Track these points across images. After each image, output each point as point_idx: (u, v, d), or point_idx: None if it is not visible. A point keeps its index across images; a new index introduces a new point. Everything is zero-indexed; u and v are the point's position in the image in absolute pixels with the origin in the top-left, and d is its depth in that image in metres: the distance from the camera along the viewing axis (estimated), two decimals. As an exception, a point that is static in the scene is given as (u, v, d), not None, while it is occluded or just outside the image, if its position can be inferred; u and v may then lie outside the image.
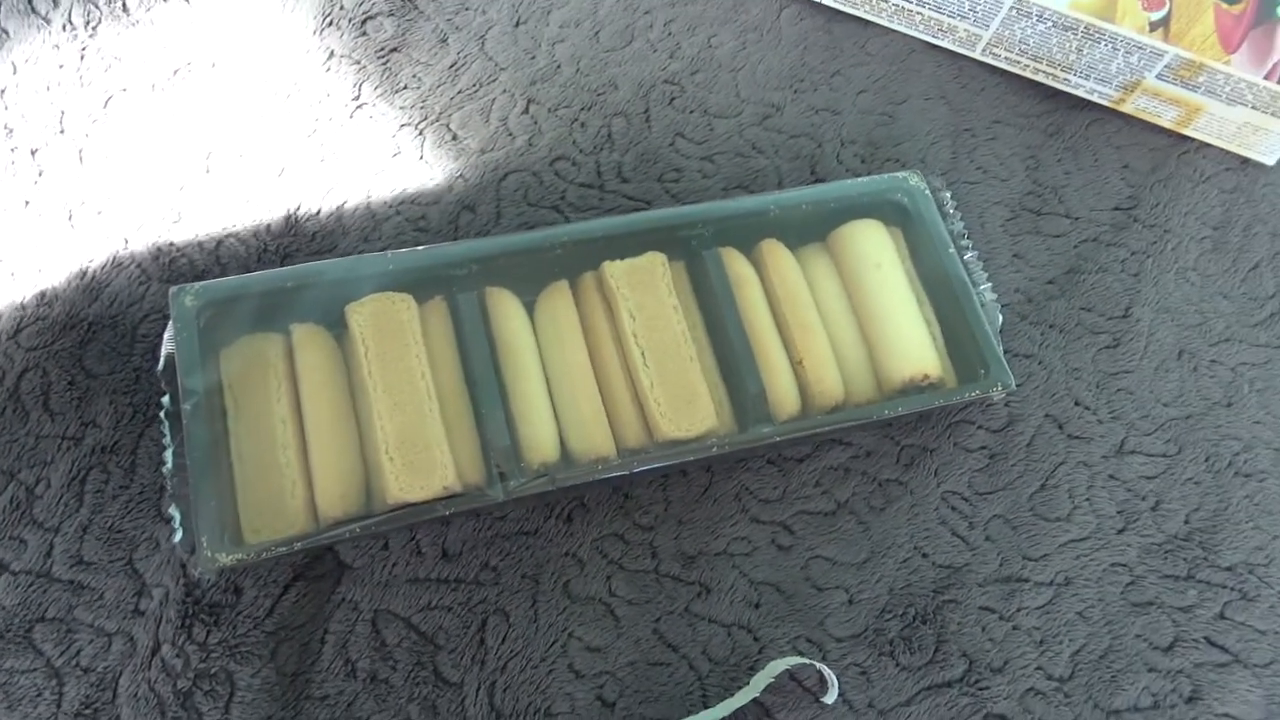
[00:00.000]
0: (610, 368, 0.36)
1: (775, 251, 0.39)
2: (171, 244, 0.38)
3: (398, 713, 0.33)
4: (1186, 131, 0.48)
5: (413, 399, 0.33)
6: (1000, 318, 0.40)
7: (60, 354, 0.36)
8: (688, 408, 0.35)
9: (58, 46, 0.40)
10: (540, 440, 0.34)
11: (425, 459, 0.32)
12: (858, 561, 0.37)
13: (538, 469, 0.34)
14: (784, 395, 0.36)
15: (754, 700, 0.34)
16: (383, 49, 0.42)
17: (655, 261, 0.37)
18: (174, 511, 0.31)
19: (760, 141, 0.45)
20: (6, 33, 0.40)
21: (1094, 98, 0.48)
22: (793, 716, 0.35)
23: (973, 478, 0.39)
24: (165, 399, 0.32)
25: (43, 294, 0.37)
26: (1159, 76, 0.45)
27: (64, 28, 0.41)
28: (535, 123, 0.43)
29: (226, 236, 0.38)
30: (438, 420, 0.33)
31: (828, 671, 0.34)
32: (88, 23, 0.41)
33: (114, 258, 0.38)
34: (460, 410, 0.34)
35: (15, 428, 0.35)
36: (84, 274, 0.38)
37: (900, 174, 0.41)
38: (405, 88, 0.42)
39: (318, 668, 0.33)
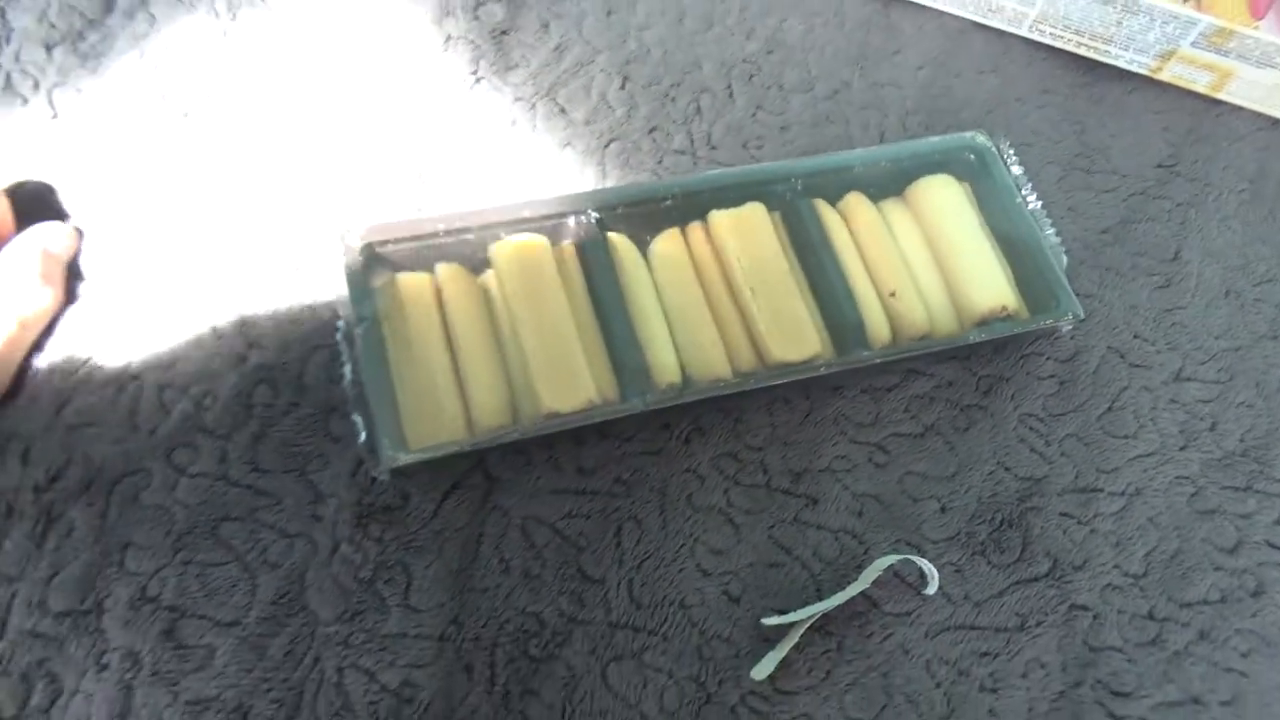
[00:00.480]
0: (722, 303, 0.40)
1: (860, 203, 0.44)
2: (316, 197, 0.42)
3: (551, 603, 0.36)
4: (1220, 96, 0.52)
5: (555, 325, 0.37)
6: (1065, 259, 0.44)
7: (230, 287, 0.40)
8: (795, 334, 0.39)
9: (203, 29, 0.45)
10: (665, 364, 0.38)
11: (570, 375, 0.36)
12: (947, 475, 0.41)
13: (665, 389, 0.38)
14: (877, 325, 0.41)
15: (863, 594, 0.38)
16: (494, 30, 0.47)
17: (757, 210, 0.41)
18: (356, 417, 0.35)
19: (832, 113, 0.49)
20: (155, 17, 0.45)
21: (1133, 67, 0.52)
22: (898, 607, 0.38)
23: (1046, 401, 0.43)
24: (340, 323, 0.36)
25: (205, 231, 0.41)
26: (1193, 44, 0.50)
27: (207, 12, 0.45)
28: (631, 98, 0.47)
29: (367, 190, 0.43)
30: (578, 344, 0.37)
31: (928, 566, 0.38)
32: (229, 7, 0.46)
33: (268, 204, 0.42)
34: (593, 339, 0.38)
35: (190, 348, 0.39)
36: (242, 215, 0.42)
37: (968, 134, 0.45)
38: (516, 66, 0.46)
39: (477, 565, 0.37)
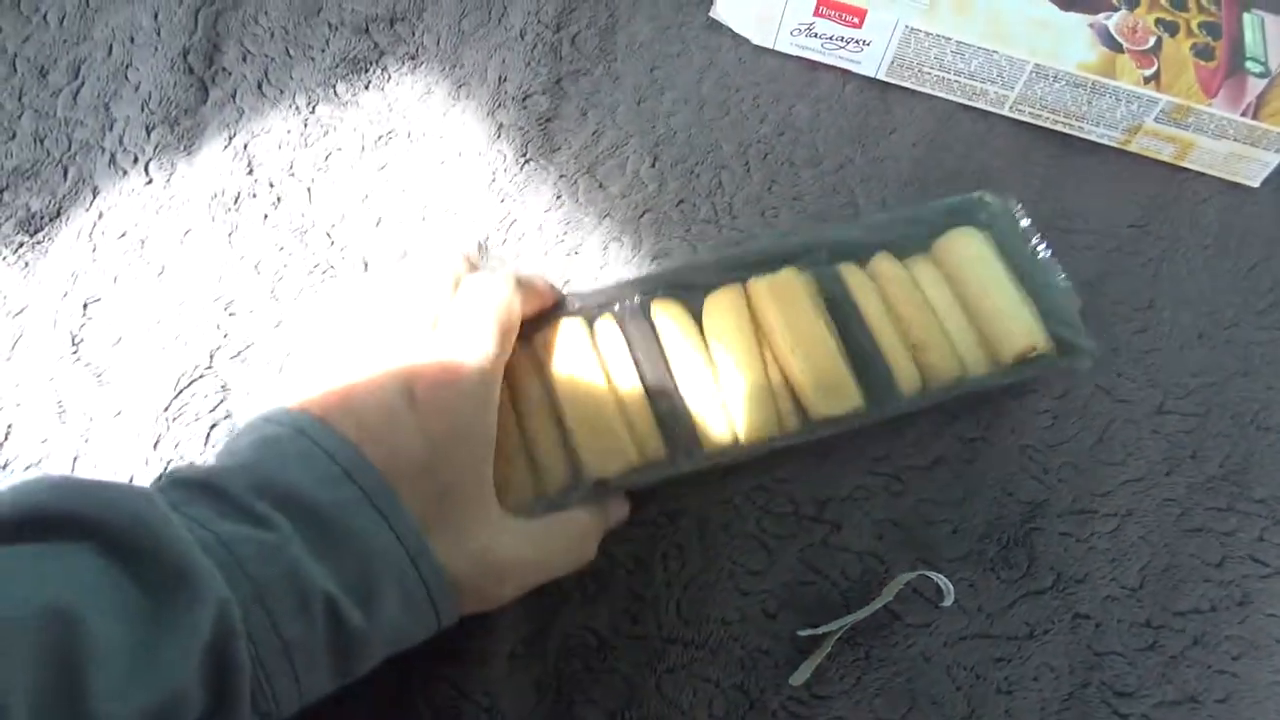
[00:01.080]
0: (765, 365, 0.44)
1: (888, 262, 0.48)
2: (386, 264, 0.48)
3: (608, 621, 0.41)
4: (1184, 164, 0.58)
5: (593, 396, 0.41)
6: (1079, 302, 0.47)
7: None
8: (836, 390, 0.42)
9: (285, 118, 0.51)
10: (713, 425, 0.42)
11: (613, 439, 0.40)
12: (957, 501, 0.46)
13: (717, 450, 0.41)
14: (907, 376, 0.44)
15: (886, 607, 0.42)
16: (541, 118, 0.53)
17: (791, 275, 0.45)
18: None
19: (838, 185, 0.55)
20: (243, 109, 0.51)
21: (1104, 141, 0.59)
22: (919, 619, 0.42)
23: (1042, 434, 0.48)
24: None
25: (290, 285, 0.47)
26: (1156, 120, 0.56)
27: (289, 106, 0.52)
28: (661, 174, 0.53)
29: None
30: (617, 414, 0.41)
31: (944, 580, 0.42)
32: (308, 103, 0.52)
33: (336, 268, 0.48)
34: (640, 407, 0.42)
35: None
36: (331, 279, 0.47)
37: (977, 193, 0.50)
38: (559, 149, 0.53)
39: (543, 588, 0.41)
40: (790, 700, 0.40)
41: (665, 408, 0.42)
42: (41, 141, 0.49)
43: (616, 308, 0.44)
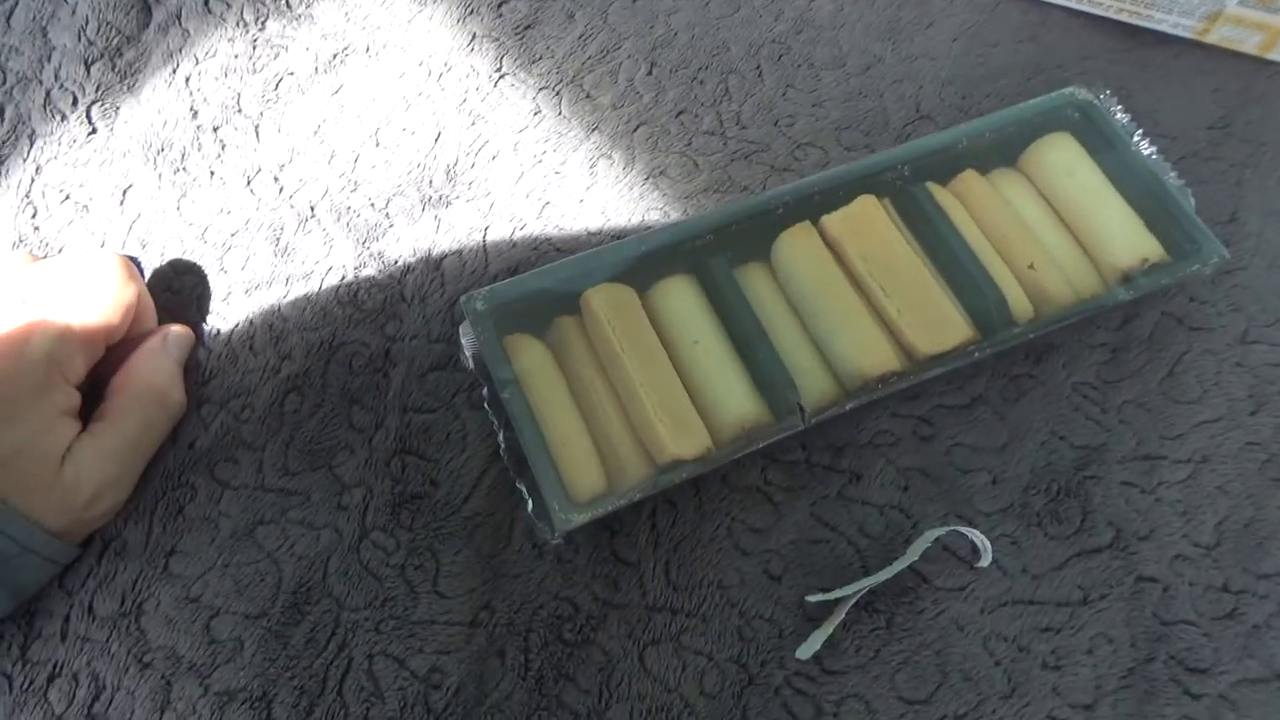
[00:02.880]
0: (855, 305, 0.38)
1: (974, 180, 0.42)
2: (349, 207, 0.43)
3: (585, 587, 0.35)
4: (1271, 56, 0.50)
5: (656, 367, 0.36)
6: (1193, 200, 0.41)
7: (262, 305, 0.41)
8: (940, 323, 0.37)
9: (232, 40, 0.46)
10: (810, 374, 0.38)
11: (688, 421, 0.36)
12: (997, 446, 0.39)
13: (819, 399, 0.37)
14: (1018, 300, 0.38)
15: (911, 569, 0.36)
16: (518, 26, 0.47)
17: (867, 203, 0.40)
18: (520, 485, 0.34)
19: (865, 88, 0.48)
20: (188, 31, 0.46)
21: (1177, 31, 0.50)
22: (950, 581, 0.36)
23: (1100, 369, 0.41)
24: (485, 390, 0.36)
25: (239, 254, 0.42)
26: (1240, 3, 0.48)
27: (236, 24, 0.47)
28: (659, 82, 0.47)
29: (395, 195, 0.43)
30: (681, 389, 0.36)
31: (979, 537, 0.36)
32: (257, 18, 0.47)
33: (302, 223, 0.42)
34: (730, 364, 0.37)
35: (228, 369, 0.39)
36: (276, 237, 0.42)
37: (1066, 90, 0.44)
38: (540, 58, 0.47)
39: (509, 550, 0.36)
40: (796, 675, 0.35)
41: (757, 364, 0.37)
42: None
43: (693, 253, 0.39)
